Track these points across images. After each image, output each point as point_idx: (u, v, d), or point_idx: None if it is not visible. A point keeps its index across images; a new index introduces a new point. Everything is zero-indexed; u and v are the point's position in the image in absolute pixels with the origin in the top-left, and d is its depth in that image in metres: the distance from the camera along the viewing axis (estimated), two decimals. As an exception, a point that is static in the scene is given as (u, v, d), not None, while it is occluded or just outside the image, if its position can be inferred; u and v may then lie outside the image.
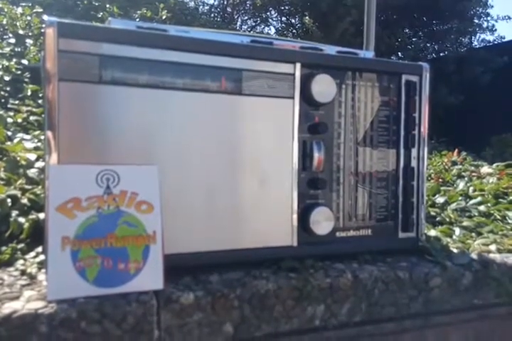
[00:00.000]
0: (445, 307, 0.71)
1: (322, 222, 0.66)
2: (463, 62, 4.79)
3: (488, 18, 5.48)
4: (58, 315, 0.47)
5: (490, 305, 0.75)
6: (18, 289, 0.52)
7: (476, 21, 5.46)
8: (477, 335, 0.78)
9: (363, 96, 0.71)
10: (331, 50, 0.73)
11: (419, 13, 5.22)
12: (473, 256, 0.75)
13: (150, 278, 0.53)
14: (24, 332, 0.46)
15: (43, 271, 0.56)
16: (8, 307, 0.47)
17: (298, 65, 0.66)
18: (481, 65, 4.72)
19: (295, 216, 0.66)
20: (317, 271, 0.63)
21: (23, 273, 0.56)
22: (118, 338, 0.50)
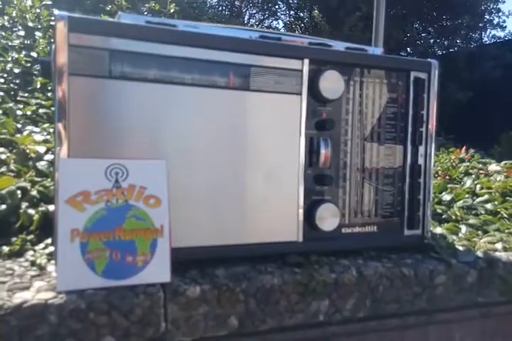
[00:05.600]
0: (449, 305, 0.71)
1: (328, 218, 0.67)
2: (473, 59, 4.74)
3: (500, 14, 5.40)
4: (68, 305, 0.48)
5: (494, 303, 0.75)
6: (29, 279, 0.53)
7: (487, 17, 5.39)
8: (480, 333, 0.78)
9: (371, 93, 0.71)
10: (339, 46, 0.72)
11: (430, 8, 5.16)
12: (479, 254, 0.75)
13: (157, 270, 0.53)
14: (34, 321, 0.47)
15: (53, 262, 0.57)
16: (19, 297, 0.48)
17: (306, 61, 0.66)
18: (491, 61, 4.67)
19: (301, 212, 0.66)
20: (322, 266, 0.64)
21: (32, 263, 0.57)
22: (125, 329, 0.50)
